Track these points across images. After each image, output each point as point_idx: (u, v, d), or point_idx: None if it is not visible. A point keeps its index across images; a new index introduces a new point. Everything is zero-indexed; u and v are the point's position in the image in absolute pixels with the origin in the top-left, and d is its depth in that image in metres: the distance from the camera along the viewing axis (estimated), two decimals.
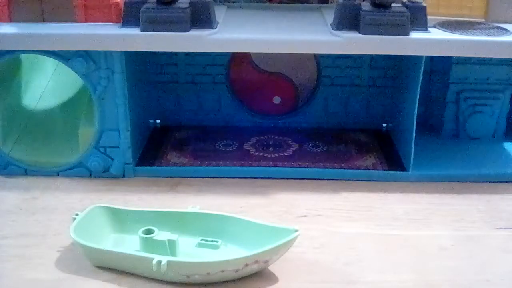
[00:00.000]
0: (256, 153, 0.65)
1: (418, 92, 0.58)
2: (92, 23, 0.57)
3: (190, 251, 0.47)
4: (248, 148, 0.66)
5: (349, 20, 0.55)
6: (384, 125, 0.71)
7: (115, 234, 0.49)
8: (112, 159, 0.60)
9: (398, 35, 0.54)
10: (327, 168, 0.61)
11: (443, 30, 0.57)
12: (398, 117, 0.67)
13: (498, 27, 0.58)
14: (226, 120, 0.72)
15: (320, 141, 0.68)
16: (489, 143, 0.67)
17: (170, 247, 0.44)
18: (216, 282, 0.43)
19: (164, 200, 0.56)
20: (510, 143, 0.67)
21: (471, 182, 0.60)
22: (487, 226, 0.52)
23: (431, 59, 0.67)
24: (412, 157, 0.59)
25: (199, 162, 0.62)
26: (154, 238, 0.45)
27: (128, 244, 0.47)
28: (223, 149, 0.66)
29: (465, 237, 0.50)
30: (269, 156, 0.64)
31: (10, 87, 0.66)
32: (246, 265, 0.43)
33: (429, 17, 0.56)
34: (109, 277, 0.44)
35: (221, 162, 0.62)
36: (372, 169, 0.61)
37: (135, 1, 0.56)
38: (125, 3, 0.56)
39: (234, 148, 0.66)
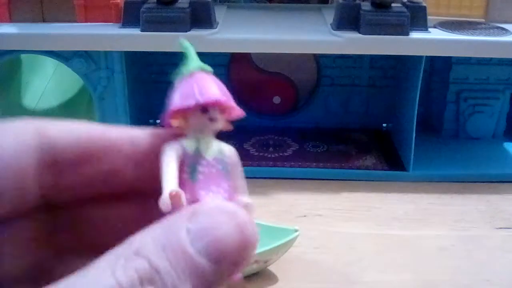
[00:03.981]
0: (256, 153, 0.65)
1: (418, 92, 0.58)
2: (92, 23, 0.57)
3: None
4: (248, 148, 0.66)
5: (349, 20, 0.55)
6: (384, 125, 0.71)
7: None
8: None
9: (398, 35, 0.54)
10: (327, 168, 0.61)
11: (443, 30, 0.57)
12: (398, 117, 0.67)
13: (498, 27, 0.58)
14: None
15: (320, 141, 0.68)
16: (489, 143, 0.67)
17: None
18: None
19: None
20: (510, 143, 0.67)
21: (471, 182, 0.60)
22: (487, 226, 0.52)
23: (431, 59, 0.67)
24: (412, 157, 0.59)
25: None
26: None
27: None
28: None
29: (465, 237, 0.50)
30: (269, 156, 0.64)
31: (10, 87, 0.66)
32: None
33: (429, 17, 0.56)
34: None
35: None
36: (372, 169, 0.61)
37: (135, 1, 0.56)
38: (125, 3, 0.56)
39: (234, 148, 0.66)
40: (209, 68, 0.21)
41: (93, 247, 0.23)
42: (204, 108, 0.20)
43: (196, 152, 0.20)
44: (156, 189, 0.21)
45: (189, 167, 0.20)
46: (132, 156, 0.22)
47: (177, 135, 0.21)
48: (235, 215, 0.18)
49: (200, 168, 0.20)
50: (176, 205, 0.19)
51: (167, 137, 0.22)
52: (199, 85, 0.20)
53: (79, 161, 0.21)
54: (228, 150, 0.21)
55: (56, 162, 0.21)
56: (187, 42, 0.21)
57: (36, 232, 0.21)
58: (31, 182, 0.20)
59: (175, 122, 0.21)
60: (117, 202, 0.23)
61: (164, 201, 0.19)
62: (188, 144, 0.20)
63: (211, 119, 0.21)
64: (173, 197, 0.19)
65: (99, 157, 0.21)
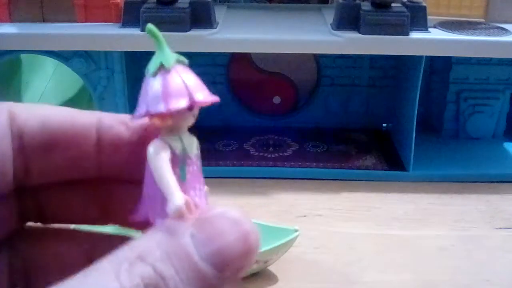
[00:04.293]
0: (256, 153, 0.65)
1: (418, 92, 0.58)
2: (92, 23, 0.57)
3: None
4: (248, 148, 0.66)
5: (349, 20, 0.55)
6: (384, 125, 0.71)
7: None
8: None
9: (398, 35, 0.54)
10: (327, 168, 0.61)
11: (443, 30, 0.57)
12: (398, 117, 0.67)
13: (498, 27, 0.58)
14: (226, 120, 0.72)
15: (320, 141, 0.68)
16: (489, 143, 0.67)
17: None
18: None
19: None
20: (510, 143, 0.67)
21: (471, 182, 0.60)
22: (487, 226, 0.52)
23: (431, 59, 0.67)
24: (412, 157, 0.59)
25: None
26: None
27: None
28: (223, 149, 0.66)
29: (465, 237, 0.50)
30: (269, 156, 0.64)
31: (10, 87, 0.66)
32: None
33: (429, 17, 0.56)
34: None
35: (221, 162, 0.62)
36: (372, 169, 0.61)
37: (135, 1, 0.56)
38: (125, 3, 0.56)
39: (234, 148, 0.66)
40: (185, 59, 0.21)
41: (59, 229, 0.23)
42: (191, 107, 0.20)
43: (183, 152, 0.20)
44: (124, 177, 0.22)
45: (178, 168, 0.20)
46: (99, 143, 0.22)
47: (149, 128, 0.21)
48: (239, 223, 0.18)
49: (187, 168, 0.20)
50: (188, 212, 0.19)
51: (137, 127, 0.22)
52: (187, 83, 0.20)
53: (47, 147, 0.21)
54: (198, 143, 0.21)
55: (25, 147, 0.21)
56: (156, 28, 0.20)
57: (5, 213, 0.22)
58: (10, 166, 0.21)
59: (155, 120, 0.21)
60: (85, 187, 0.23)
61: (179, 210, 0.18)
62: (174, 143, 0.20)
63: (194, 116, 0.20)
64: (186, 205, 0.19)
65: (66, 143, 0.21)
